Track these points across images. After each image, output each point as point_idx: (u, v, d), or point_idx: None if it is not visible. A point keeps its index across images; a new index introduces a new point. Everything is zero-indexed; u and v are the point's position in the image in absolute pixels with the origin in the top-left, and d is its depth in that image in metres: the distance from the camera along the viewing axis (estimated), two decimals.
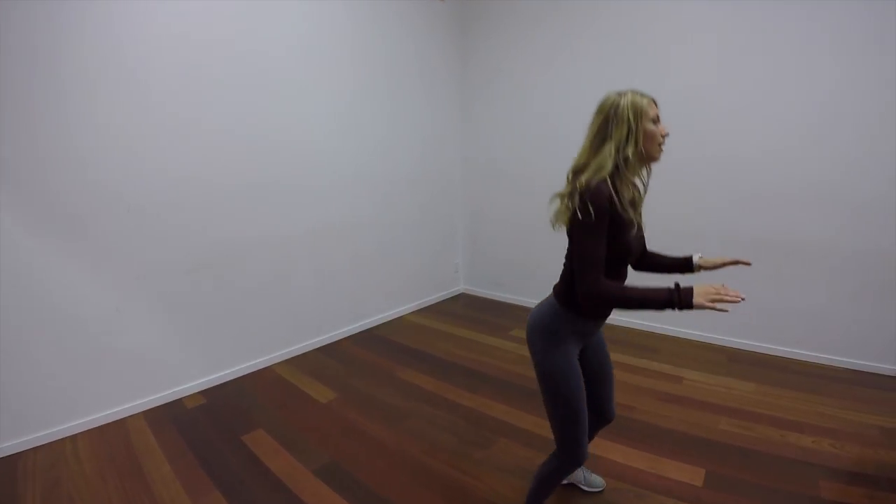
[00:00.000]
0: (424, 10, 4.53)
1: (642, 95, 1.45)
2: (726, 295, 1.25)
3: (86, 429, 2.69)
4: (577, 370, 1.58)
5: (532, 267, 4.75)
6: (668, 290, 1.31)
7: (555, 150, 4.34)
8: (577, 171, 1.48)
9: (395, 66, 4.30)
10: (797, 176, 3.31)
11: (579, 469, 2.09)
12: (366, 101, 4.06)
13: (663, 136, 1.48)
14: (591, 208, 1.33)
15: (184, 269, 3.03)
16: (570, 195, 1.43)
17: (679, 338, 3.91)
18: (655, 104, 1.48)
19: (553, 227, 1.55)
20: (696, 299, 1.26)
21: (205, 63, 2.98)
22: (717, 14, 3.45)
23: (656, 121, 1.46)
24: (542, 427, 2.60)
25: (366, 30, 3.98)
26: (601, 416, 1.82)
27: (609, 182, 1.40)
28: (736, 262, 1.72)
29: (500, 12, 4.66)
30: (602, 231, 1.38)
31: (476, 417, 2.80)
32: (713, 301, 1.25)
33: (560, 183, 1.53)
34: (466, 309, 4.96)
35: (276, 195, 3.47)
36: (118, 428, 2.72)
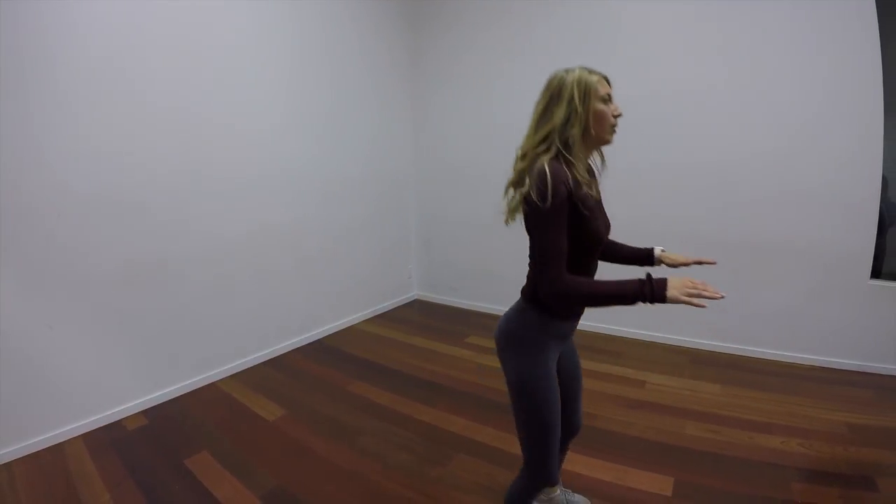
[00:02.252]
0: (372, 9, 4.41)
1: (591, 72, 1.33)
2: (704, 290, 1.12)
3: (21, 455, 2.47)
4: (553, 383, 1.41)
5: (488, 271, 4.66)
6: (640, 281, 1.17)
7: (509, 150, 4.21)
8: (523, 157, 1.35)
9: (341, 63, 4.14)
10: (771, 179, 3.26)
11: (560, 493, 1.93)
12: (309, 95, 3.87)
13: (616, 117, 1.34)
14: (547, 192, 1.18)
15: (120, 280, 2.80)
16: (518, 183, 1.30)
17: (640, 340, 3.85)
18: (608, 82, 1.35)
19: (506, 222, 1.38)
20: (671, 292, 1.13)
21: (134, 54, 2.75)
22: (687, 10, 3.39)
23: (608, 100, 1.34)
24: (502, 440, 2.49)
25: (309, 23, 3.82)
26: (570, 428, 1.67)
27: (561, 161, 1.27)
28: (700, 262, 1.58)
29: (451, 11, 4.58)
30: (562, 219, 1.22)
31: (433, 433, 2.66)
32: (690, 295, 1.11)
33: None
34: (421, 316, 4.83)
35: (214, 196, 3.24)
36: (56, 454, 2.51)
